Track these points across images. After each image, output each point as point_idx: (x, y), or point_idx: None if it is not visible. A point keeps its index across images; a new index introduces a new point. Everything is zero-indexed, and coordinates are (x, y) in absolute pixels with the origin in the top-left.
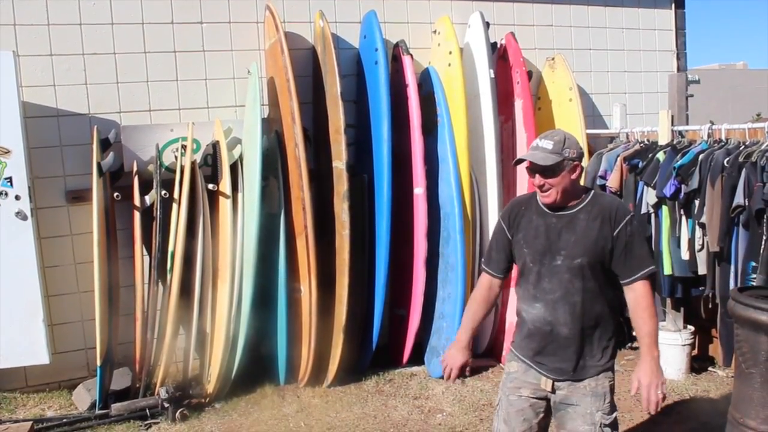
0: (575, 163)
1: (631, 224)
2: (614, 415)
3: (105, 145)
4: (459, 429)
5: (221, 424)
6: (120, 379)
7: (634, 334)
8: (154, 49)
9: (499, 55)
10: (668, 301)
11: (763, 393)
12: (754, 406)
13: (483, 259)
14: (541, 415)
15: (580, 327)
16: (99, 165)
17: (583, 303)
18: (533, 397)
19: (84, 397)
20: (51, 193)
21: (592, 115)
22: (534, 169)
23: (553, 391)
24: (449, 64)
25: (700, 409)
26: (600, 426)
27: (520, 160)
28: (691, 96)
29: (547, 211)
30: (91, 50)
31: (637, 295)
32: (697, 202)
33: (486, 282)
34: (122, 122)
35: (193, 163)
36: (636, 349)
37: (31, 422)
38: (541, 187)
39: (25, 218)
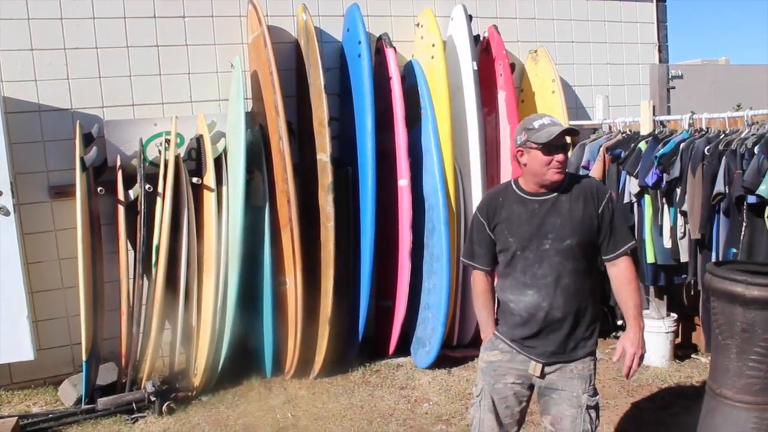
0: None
1: (612, 200)
2: (597, 397)
3: (88, 140)
4: (445, 417)
5: (208, 416)
6: (106, 374)
7: (619, 323)
8: (137, 44)
9: (482, 48)
10: (651, 289)
11: (738, 363)
12: (730, 376)
13: (464, 253)
14: (524, 404)
15: (571, 308)
16: (82, 160)
17: (573, 284)
18: (518, 384)
19: (70, 393)
20: (34, 189)
21: (575, 107)
22: (560, 144)
23: (542, 376)
24: (432, 57)
25: (683, 394)
26: (585, 408)
27: (569, 130)
28: (673, 88)
29: (527, 197)
30: (72, 45)
31: (621, 269)
32: (678, 191)
33: (480, 277)
34: (105, 117)
35: (177, 157)
36: (625, 331)
37: (16, 418)
38: (561, 163)
39: (7, 214)
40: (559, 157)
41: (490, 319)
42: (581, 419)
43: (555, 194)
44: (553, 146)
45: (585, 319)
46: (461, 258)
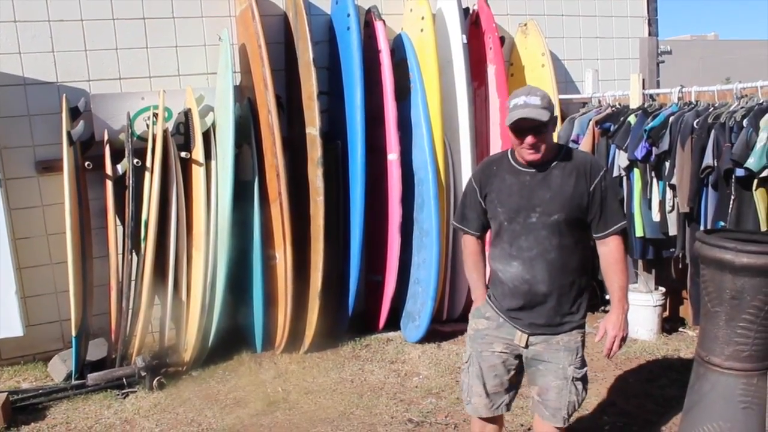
0: (555, 117)
1: (605, 179)
2: (585, 369)
3: (74, 114)
4: (435, 391)
5: (199, 391)
6: (96, 350)
7: (607, 297)
8: (123, 16)
9: (472, 21)
10: (640, 263)
11: (727, 330)
12: (719, 343)
13: (455, 217)
14: (513, 372)
15: (556, 283)
16: (69, 134)
17: (559, 259)
18: (506, 353)
19: (60, 368)
20: (20, 164)
21: (565, 81)
22: (528, 127)
23: (526, 346)
24: (422, 30)
25: (671, 366)
26: (572, 380)
27: (523, 119)
28: (662, 62)
29: (521, 169)
30: (57, 17)
31: (610, 249)
32: (667, 164)
33: (471, 240)
34: (91, 91)
35: (165, 132)
36: (608, 312)
37: (6, 394)
38: (532, 146)
39: None
40: (528, 140)
41: (481, 281)
42: (567, 390)
43: (547, 168)
44: (520, 129)
45: (571, 295)
46: (452, 221)
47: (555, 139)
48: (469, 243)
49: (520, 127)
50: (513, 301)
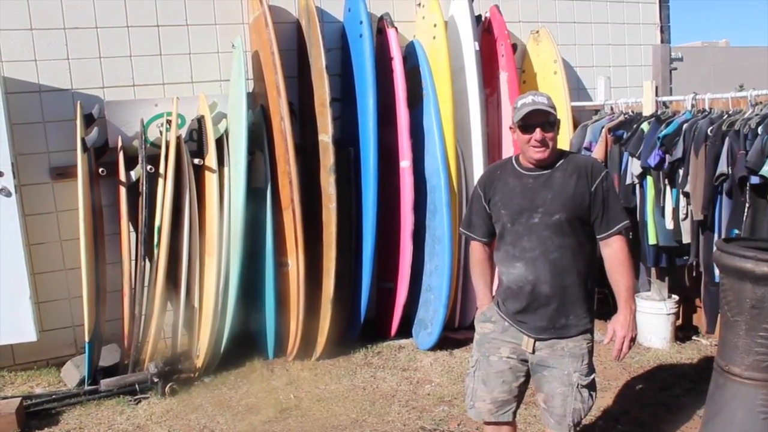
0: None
1: (606, 180)
2: (592, 376)
3: (89, 120)
4: (447, 399)
5: (211, 397)
6: (108, 356)
7: None
8: (137, 23)
9: (484, 28)
10: (653, 270)
11: (747, 340)
12: (739, 353)
13: (462, 223)
14: (522, 380)
15: (560, 284)
16: (83, 141)
17: (562, 259)
18: (513, 358)
19: (73, 374)
20: (35, 170)
21: (577, 88)
22: (537, 123)
23: (533, 351)
24: (434, 37)
25: (684, 375)
26: (577, 387)
27: (535, 111)
28: (675, 69)
29: (524, 172)
30: (72, 24)
31: (613, 249)
32: (681, 172)
33: (478, 247)
34: (106, 97)
35: (178, 138)
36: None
37: (20, 399)
38: (540, 141)
39: (9, 195)
40: (537, 135)
41: (487, 290)
42: (572, 397)
43: (550, 170)
44: (530, 125)
45: (576, 297)
46: (460, 228)
47: (567, 147)
48: (476, 249)
49: (530, 122)
50: (517, 303)
